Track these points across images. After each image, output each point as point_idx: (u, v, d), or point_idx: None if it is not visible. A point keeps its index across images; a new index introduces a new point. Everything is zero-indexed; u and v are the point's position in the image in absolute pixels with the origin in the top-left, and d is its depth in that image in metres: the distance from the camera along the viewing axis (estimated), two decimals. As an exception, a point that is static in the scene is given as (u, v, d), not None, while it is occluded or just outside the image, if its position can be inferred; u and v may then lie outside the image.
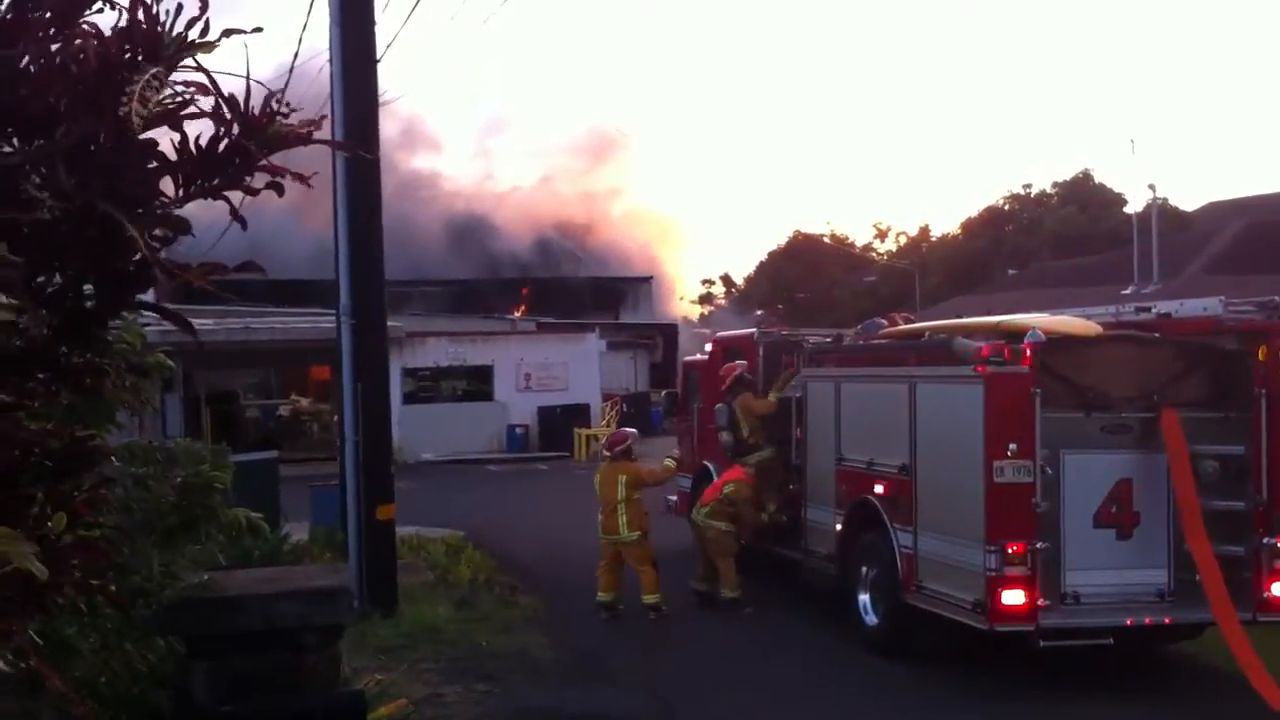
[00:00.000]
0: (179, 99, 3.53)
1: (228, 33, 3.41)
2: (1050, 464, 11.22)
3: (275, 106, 3.53)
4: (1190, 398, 11.71)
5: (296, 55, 16.41)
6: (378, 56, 13.40)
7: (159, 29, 3.35)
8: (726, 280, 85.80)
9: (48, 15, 3.56)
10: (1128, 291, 30.65)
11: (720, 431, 16.07)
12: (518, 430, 38.38)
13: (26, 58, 3.54)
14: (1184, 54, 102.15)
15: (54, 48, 3.59)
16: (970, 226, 64.61)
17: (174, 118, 3.52)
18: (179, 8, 3.37)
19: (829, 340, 15.92)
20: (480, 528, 21.58)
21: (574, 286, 56.60)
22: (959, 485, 11.57)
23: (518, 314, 52.34)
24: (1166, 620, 11.41)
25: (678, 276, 79.80)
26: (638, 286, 62.08)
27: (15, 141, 3.48)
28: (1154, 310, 12.89)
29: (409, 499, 19.71)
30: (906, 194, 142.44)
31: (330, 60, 12.80)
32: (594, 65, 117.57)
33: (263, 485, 15.52)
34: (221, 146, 3.59)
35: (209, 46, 3.33)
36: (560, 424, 37.90)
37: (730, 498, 15.02)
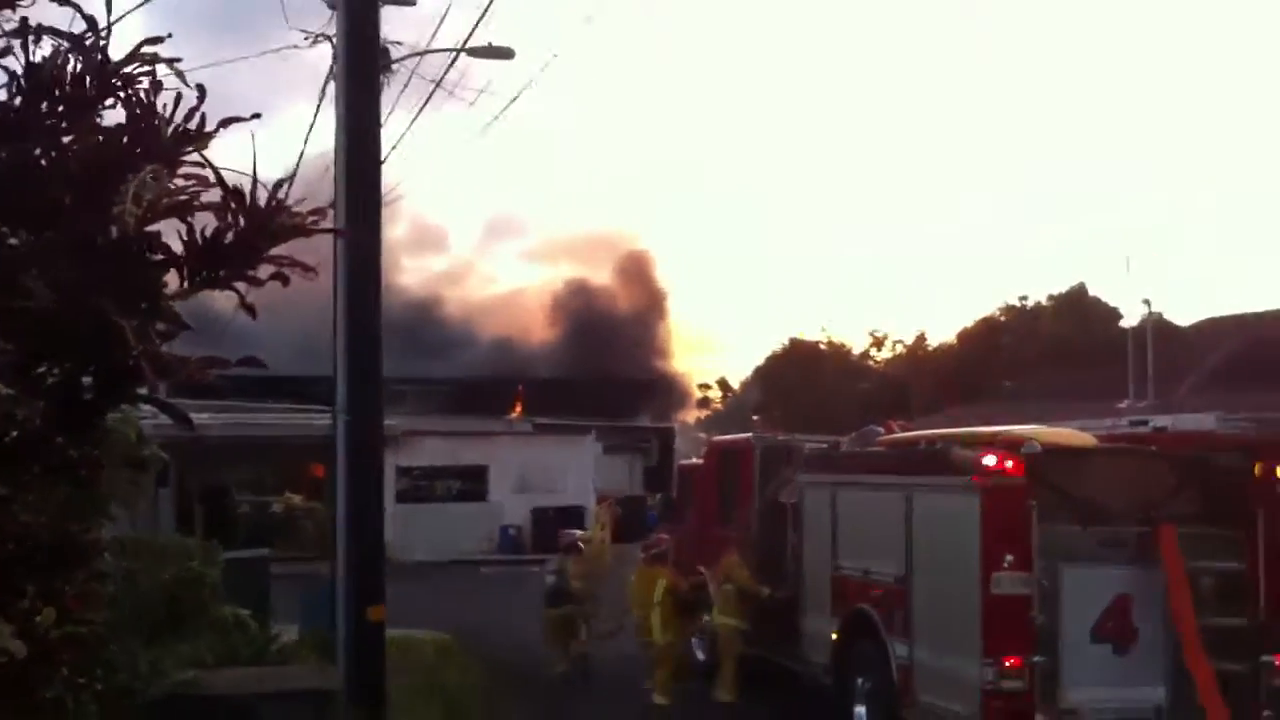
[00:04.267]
0: (186, 193, 3.57)
1: (225, 122, 3.46)
2: (1048, 577, 11.14)
3: (280, 198, 3.57)
4: (1187, 512, 11.66)
5: (302, 155, 16.60)
6: (382, 158, 13.56)
7: (157, 123, 3.40)
8: (723, 385, 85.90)
9: (60, 109, 3.62)
10: (1123, 405, 30.68)
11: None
12: (511, 531, 38.12)
13: (37, 150, 3.58)
14: (1182, 170, 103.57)
15: (65, 140, 3.63)
16: (966, 337, 64.87)
17: (179, 211, 3.56)
18: (178, 98, 3.41)
19: (825, 446, 15.91)
20: (471, 631, 21.32)
21: (571, 388, 56.59)
22: (955, 596, 11.47)
23: (514, 414, 52.29)
24: (1165, 738, 11.24)
25: (680, 379, 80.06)
26: (638, 390, 62.10)
27: (20, 234, 3.51)
28: (1150, 424, 12.91)
29: (400, 600, 19.46)
30: (903, 303, 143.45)
31: (335, 160, 12.94)
32: (593, 167, 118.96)
33: (253, 583, 15.36)
34: (227, 239, 3.62)
35: (206, 139, 3.38)
36: (554, 526, 37.62)
37: (732, 577, 14.96)
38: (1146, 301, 43.25)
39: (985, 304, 76.71)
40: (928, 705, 11.73)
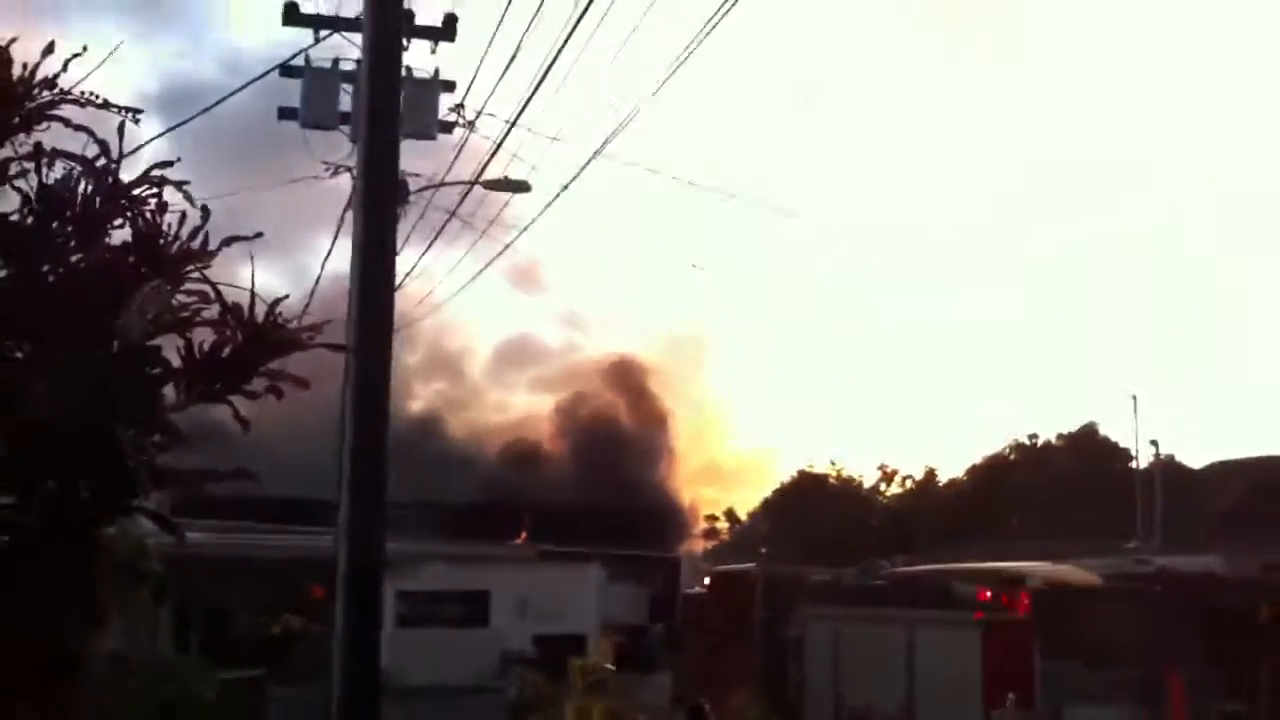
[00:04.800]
0: (188, 308, 3.66)
1: (228, 241, 3.56)
2: (1051, 716, 10.99)
3: (277, 314, 3.65)
4: (1191, 653, 11.54)
5: (319, 278, 16.86)
6: (396, 283, 13.75)
7: (162, 242, 3.50)
8: (730, 515, 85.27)
9: (70, 229, 3.72)
10: (1131, 545, 30.44)
11: None
12: (514, 657, 37.52)
13: (45, 268, 3.68)
14: (1193, 309, 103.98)
15: (73, 258, 3.73)
16: (976, 474, 64.53)
17: (180, 326, 3.64)
18: (183, 217, 3.53)
19: (829, 578, 15.81)
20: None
21: (576, 514, 56.30)
22: (957, 734, 11.29)
23: (519, 540, 51.99)
24: None
25: (686, 509, 79.58)
26: (643, 518, 61.65)
27: (24, 346, 3.59)
28: (1154, 564, 12.83)
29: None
30: (913, 437, 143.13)
31: (350, 286, 13.13)
32: (611, 290, 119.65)
33: (248, 704, 15.16)
34: (224, 352, 3.70)
35: (209, 256, 3.48)
36: (557, 655, 37.14)
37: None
38: (1154, 443, 43.10)
39: (994, 441, 76.56)
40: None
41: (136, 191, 3.57)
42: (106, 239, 3.66)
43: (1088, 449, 60.89)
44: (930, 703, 11.83)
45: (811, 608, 14.78)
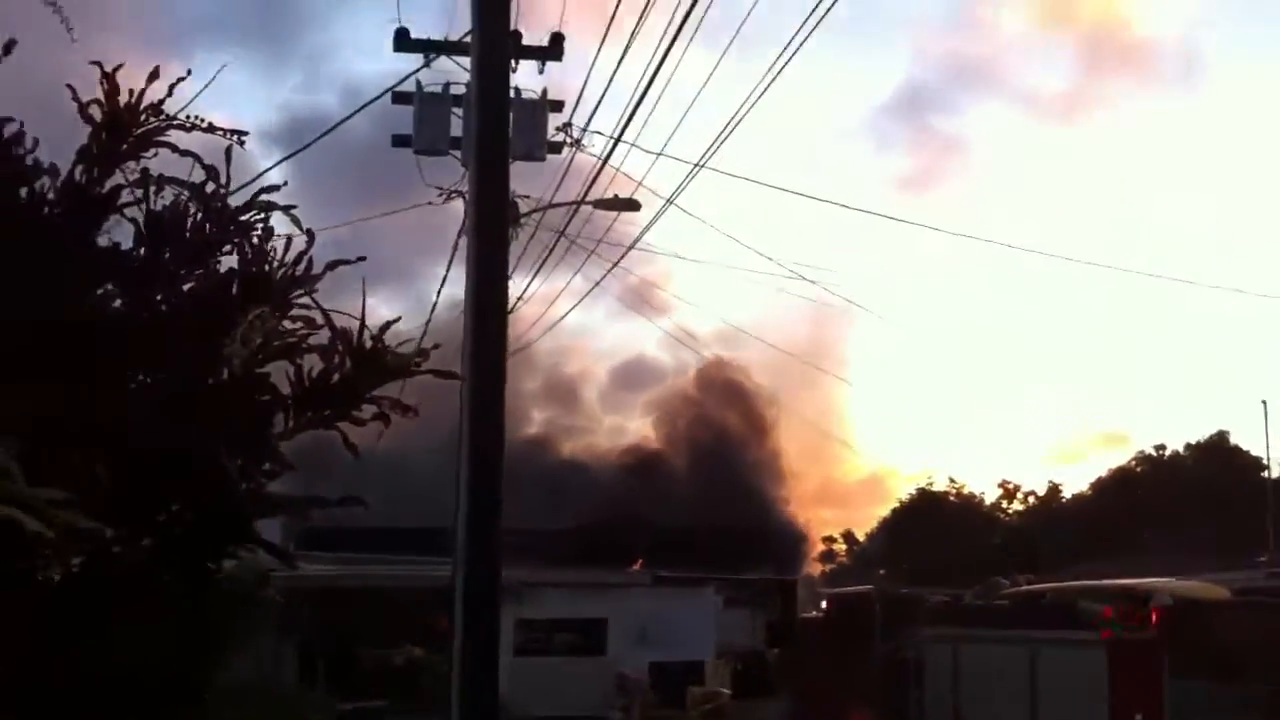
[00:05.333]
0: (295, 335, 3.70)
1: (332, 265, 3.59)
2: (1184, 735, 10.63)
3: (384, 340, 3.67)
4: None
5: (436, 304, 17.04)
6: (509, 308, 13.85)
7: (268, 268, 3.54)
8: (848, 537, 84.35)
9: (180, 257, 3.80)
10: (1263, 558, 29.42)
11: None
12: (630, 686, 37.46)
13: (159, 296, 3.75)
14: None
15: (185, 287, 3.80)
16: (1101, 485, 63.04)
17: (288, 353, 3.68)
18: (288, 242, 3.56)
19: (948, 599, 15.51)
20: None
21: (692, 537, 56.06)
22: (1086, 756, 10.98)
23: (636, 566, 51.98)
24: None
25: (803, 528, 78.95)
26: (759, 540, 61.23)
27: (137, 375, 3.66)
28: (1289, 576, 12.37)
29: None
30: (1033, 453, 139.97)
31: (465, 310, 13.24)
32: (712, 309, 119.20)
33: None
34: (333, 379, 3.73)
35: (313, 281, 3.51)
36: (674, 681, 36.97)
37: None
38: (1288, 451, 41.64)
39: (1121, 454, 74.69)
40: None
41: (245, 217, 3.63)
42: (216, 265, 3.73)
43: (1218, 458, 59.14)
44: (1057, 724, 11.51)
45: (931, 629, 14.50)
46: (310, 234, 3.67)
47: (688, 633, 38.93)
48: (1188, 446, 61.45)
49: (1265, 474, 51.60)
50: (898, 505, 70.76)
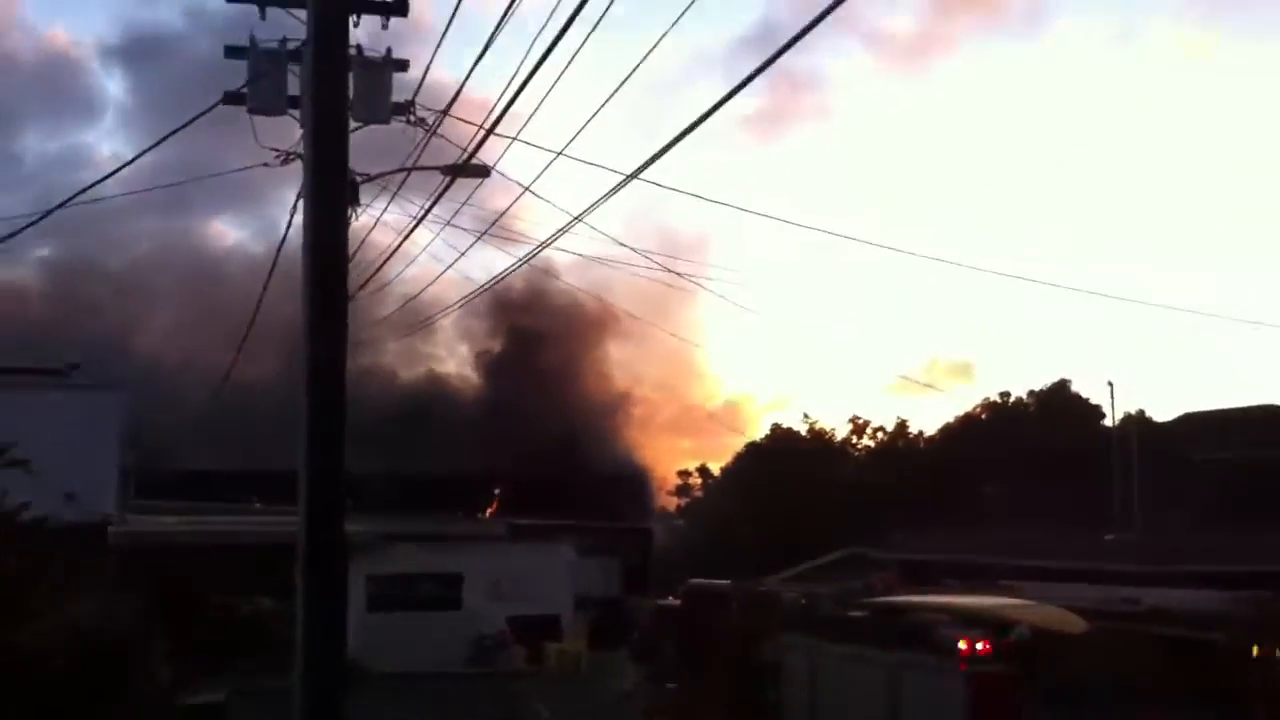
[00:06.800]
0: None
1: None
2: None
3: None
4: (1180, 692, 11.24)
5: (280, 247, 16.13)
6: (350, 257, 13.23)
7: None
8: (703, 471, 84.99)
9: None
10: (1110, 538, 30.29)
11: None
12: (486, 641, 37.29)
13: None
14: (1156, 263, 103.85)
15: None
16: (949, 432, 64.55)
17: None
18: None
19: (804, 602, 15.42)
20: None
21: (543, 484, 55.88)
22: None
23: (489, 513, 51.66)
24: None
25: (655, 467, 79.33)
26: (614, 484, 61.45)
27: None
28: (1143, 603, 12.51)
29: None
30: (880, 390, 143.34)
31: (302, 261, 12.42)
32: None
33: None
34: None
35: None
36: (530, 635, 36.89)
37: None
38: (1110, 384, 42.94)
39: (968, 398, 76.55)
40: None
41: None
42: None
43: (1058, 405, 60.93)
44: (915, 751, 11.47)
45: (787, 635, 14.40)
46: None
47: (544, 586, 38.80)
48: (1030, 394, 63.19)
49: (1105, 421, 53.38)
50: (750, 443, 71.47)
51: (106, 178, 13.78)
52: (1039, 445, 51.41)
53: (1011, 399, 64.09)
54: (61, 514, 23.90)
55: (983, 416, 63.97)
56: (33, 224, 14.60)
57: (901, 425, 70.73)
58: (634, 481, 71.15)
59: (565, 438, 66.17)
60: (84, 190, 14.35)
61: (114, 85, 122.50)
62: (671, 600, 19.01)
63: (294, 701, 13.40)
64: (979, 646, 11.00)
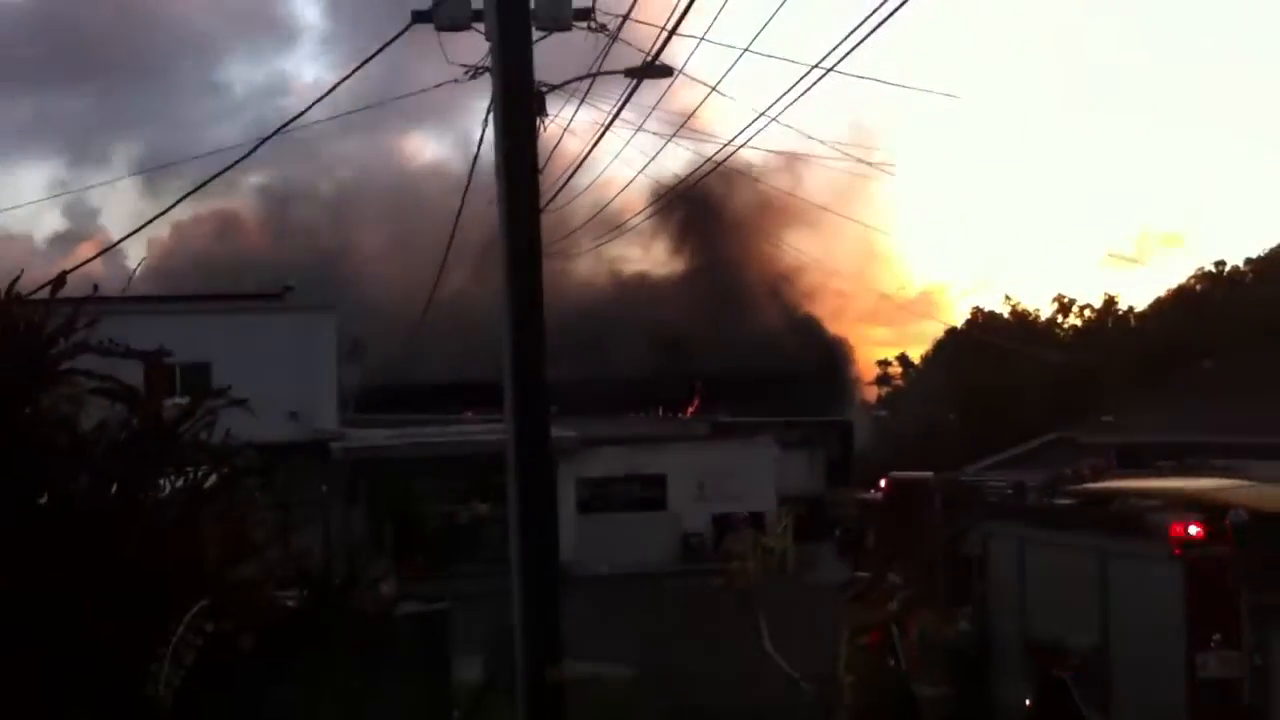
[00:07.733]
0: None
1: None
2: (1262, 654, 10.30)
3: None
4: None
5: (474, 163, 16.46)
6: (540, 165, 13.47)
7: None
8: (903, 360, 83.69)
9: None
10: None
11: None
12: (692, 540, 37.96)
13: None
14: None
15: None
16: (1161, 307, 62.01)
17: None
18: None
19: (1010, 492, 15.10)
20: (660, 663, 21.06)
21: (743, 378, 55.87)
22: (1159, 675, 10.74)
23: (689, 412, 52.06)
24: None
25: (854, 358, 78.44)
26: (814, 375, 61.20)
27: None
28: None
29: (584, 624, 19.13)
30: (1087, 268, 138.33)
31: (496, 170, 12.81)
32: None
33: (433, 642, 15.09)
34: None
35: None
36: (735, 532, 37.37)
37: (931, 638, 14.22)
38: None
39: (1180, 271, 73.21)
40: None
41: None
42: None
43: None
44: (1127, 640, 11.22)
45: (992, 525, 14.16)
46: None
47: (747, 483, 39.19)
48: (1248, 261, 59.90)
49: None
50: (950, 328, 69.91)
51: (310, 107, 14.24)
52: (1259, 316, 48.75)
53: (1228, 268, 60.97)
54: (284, 433, 25.15)
55: (1197, 288, 61.04)
56: (246, 156, 15.22)
57: (1110, 302, 68.22)
58: (834, 372, 70.63)
59: (762, 332, 65.96)
60: (291, 121, 14.87)
61: (310, 11, 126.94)
62: (873, 493, 18.88)
63: (513, 605, 13.92)
64: (1192, 530, 10.61)
